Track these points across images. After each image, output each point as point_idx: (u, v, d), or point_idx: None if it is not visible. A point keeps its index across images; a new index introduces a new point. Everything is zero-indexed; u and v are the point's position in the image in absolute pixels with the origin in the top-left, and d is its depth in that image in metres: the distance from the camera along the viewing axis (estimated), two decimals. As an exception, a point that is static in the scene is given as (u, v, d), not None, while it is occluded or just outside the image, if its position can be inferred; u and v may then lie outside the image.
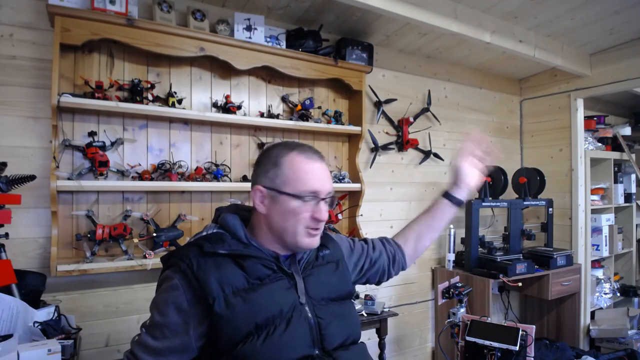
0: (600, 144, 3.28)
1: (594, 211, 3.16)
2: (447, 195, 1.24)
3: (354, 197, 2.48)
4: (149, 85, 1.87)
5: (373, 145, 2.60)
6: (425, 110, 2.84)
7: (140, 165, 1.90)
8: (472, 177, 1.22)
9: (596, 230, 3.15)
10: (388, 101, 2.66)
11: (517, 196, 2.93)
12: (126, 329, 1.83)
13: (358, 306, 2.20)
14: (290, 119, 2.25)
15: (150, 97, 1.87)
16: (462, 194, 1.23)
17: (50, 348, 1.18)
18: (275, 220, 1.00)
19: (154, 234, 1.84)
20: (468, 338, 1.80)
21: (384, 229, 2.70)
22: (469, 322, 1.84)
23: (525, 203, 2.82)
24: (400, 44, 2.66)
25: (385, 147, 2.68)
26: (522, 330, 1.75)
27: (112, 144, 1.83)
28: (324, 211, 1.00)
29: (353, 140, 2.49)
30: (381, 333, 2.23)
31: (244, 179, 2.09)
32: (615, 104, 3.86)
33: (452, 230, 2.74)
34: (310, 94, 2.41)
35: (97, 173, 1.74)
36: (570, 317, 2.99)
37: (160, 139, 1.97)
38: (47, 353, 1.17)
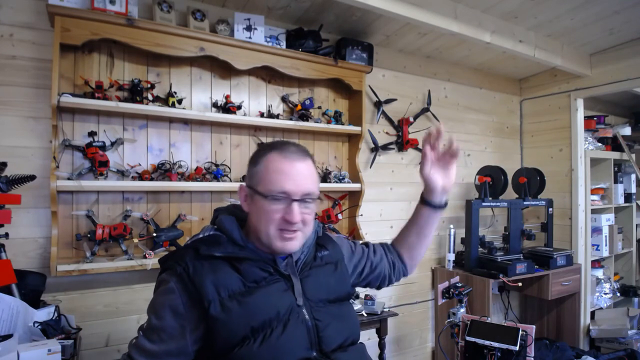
0: (600, 144, 3.28)
1: (594, 211, 3.16)
2: (425, 201, 1.18)
3: (354, 197, 2.48)
4: (149, 85, 1.87)
5: (373, 145, 2.60)
6: (425, 110, 2.84)
7: (140, 165, 1.90)
8: (442, 178, 1.14)
9: (596, 230, 3.15)
10: (388, 101, 2.66)
11: (517, 196, 2.93)
12: (126, 329, 1.84)
13: (358, 306, 2.20)
14: (290, 119, 2.25)
15: (150, 97, 1.87)
16: (439, 197, 1.17)
17: (50, 348, 1.18)
18: (254, 220, 0.99)
19: (154, 234, 1.84)
20: (468, 338, 1.80)
21: (384, 229, 2.70)
22: (469, 322, 1.84)
23: (525, 203, 2.82)
24: (400, 44, 2.66)
25: (385, 147, 2.68)
26: (522, 330, 1.75)
27: (112, 144, 1.83)
28: (294, 213, 0.94)
29: (353, 140, 2.49)
30: (381, 333, 2.23)
31: (244, 179, 2.09)
32: (615, 104, 3.86)
33: (452, 230, 2.74)
34: (310, 94, 2.41)
35: (97, 173, 1.74)
36: (570, 317, 2.99)
37: (160, 139, 1.97)
38: (47, 353, 1.17)
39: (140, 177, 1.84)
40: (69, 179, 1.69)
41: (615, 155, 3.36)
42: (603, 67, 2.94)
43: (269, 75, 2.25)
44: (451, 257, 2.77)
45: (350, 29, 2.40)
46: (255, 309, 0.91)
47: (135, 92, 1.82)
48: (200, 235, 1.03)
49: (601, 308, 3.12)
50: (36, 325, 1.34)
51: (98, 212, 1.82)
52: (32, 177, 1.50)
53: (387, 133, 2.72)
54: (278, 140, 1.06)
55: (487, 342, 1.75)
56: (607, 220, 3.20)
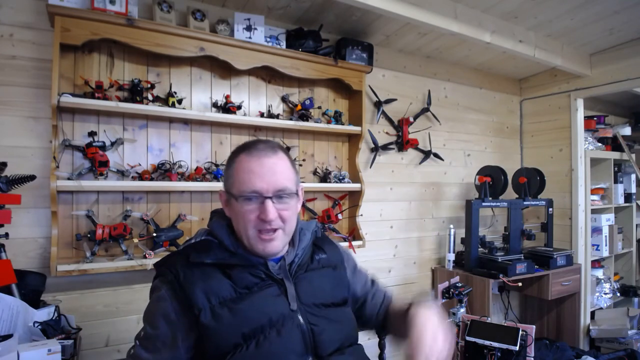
0: (600, 144, 3.28)
1: (594, 211, 3.16)
2: None
3: (354, 197, 2.48)
4: (149, 85, 1.87)
5: (373, 145, 2.60)
6: (425, 110, 2.84)
7: (140, 165, 1.90)
8: None
9: (596, 230, 3.15)
10: (388, 101, 2.66)
11: (517, 196, 2.93)
12: (126, 329, 1.84)
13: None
14: (290, 119, 2.25)
15: (150, 97, 1.87)
16: None
17: (50, 348, 1.17)
18: (235, 224, 0.98)
19: (154, 234, 1.84)
20: (468, 338, 1.80)
21: (384, 229, 2.70)
22: (469, 322, 1.84)
23: (525, 203, 2.82)
24: (400, 44, 2.66)
25: (385, 147, 2.68)
26: (522, 330, 1.75)
27: (112, 144, 1.83)
28: (268, 210, 0.92)
29: (353, 140, 2.49)
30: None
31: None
32: (615, 104, 3.86)
33: (452, 230, 2.74)
34: (310, 94, 2.41)
35: (97, 173, 1.74)
36: (570, 317, 2.99)
37: (160, 139, 1.97)
38: (47, 353, 1.16)
39: (140, 177, 1.84)
40: (69, 179, 1.69)
41: (615, 155, 3.36)
42: (603, 67, 2.94)
43: (269, 75, 2.25)
44: (451, 257, 2.76)
45: (350, 29, 2.40)
46: (246, 315, 0.90)
47: (135, 92, 1.82)
48: (193, 241, 1.02)
49: (601, 308, 3.12)
50: (36, 325, 1.34)
51: (98, 212, 1.82)
52: (32, 177, 1.50)
53: (387, 133, 2.72)
54: (249, 140, 1.03)
55: (487, 342, 1.75)
56: (607, 220, 3.19)
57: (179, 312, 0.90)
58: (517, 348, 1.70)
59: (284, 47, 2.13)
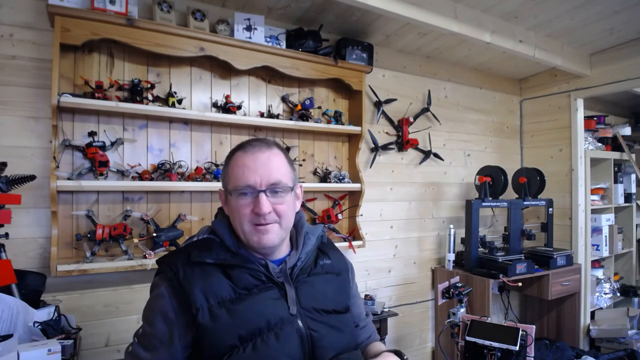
0: (600, 144, 3.28)
1: (594, 211, 3.16)
2: None
3: (354, 197, 2.48)
4: (149, 85, 1.87)
5: (373, 145, 2.60)
6: (425, 110, 2.84)
7: (140, 165, 1.90)
8: None
9: (596, 230, 3.15)
10: (388, 101, 2.66)
11: (517, 196, 2.93)
12: (126, 329, 1.84)
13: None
14: (290, 119, 2.25)
15: (150, 97, 1.87)
16: None
17: (50, 348, 1.18)
18: (233, 221, 0.98)
19: (154, 234, 1.84)
20: (468, 338, 1.80)
21: (384, 229, 2.70)
22: (469, 322, 1.84)
23: (525, 203, 2.82)
24: (400, 44, 2.66)
25: (385, 147, 2.68)
26: (522, 330, 1.75)
27: (112, 144, 1.83)
28: (261, 204, 0.92)
29: (353, 140, 2.49)
30: (381, 333, 2.23)
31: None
32: (615, 104, 3.86)
33: (452, 230, 2.74)
34: (310, 94, 2.41)
35: (97, 173, 1.74)
36: (570, 317, 2.99)
37: (160, 139, 1.97)
38: (47, 353, 1.17)
39: (140, 177, 1.84)
40: (69, 179, 1.69)
41: (615, 155, 3.36)
42: (603, 67, 2.94)
43: (269, 75, 2.25)
44: (451, 257, 2.77)
45: (350, 29, 2.40)
46: (244, 317, 0.89)
47: (135, 92, 1.82)
48: (195, 238, 1.02)
49: (601, 308, 3.12)
50: (36, 325, 1.34)
51: (98, 212, 1.82)
52: (32, 177, 1.50)
53: (387, 133, 2.72)
54: (246, 140, 1.04)
55: (487, 342, 1.75)
56: (607, 220, 3.20)
57: (177, 311, 0.89)
58: (517, 348, 1.70)
59: (284, 47, 2.13)
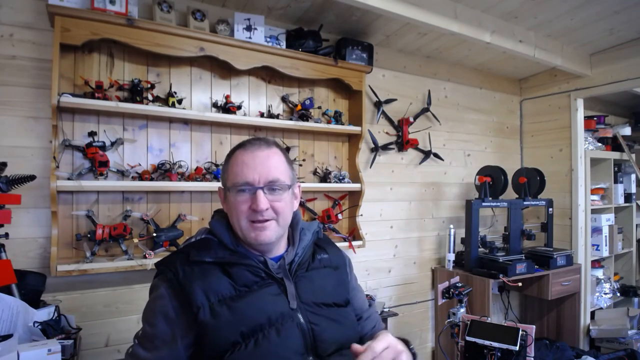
0: (600, 144, 3.28)
1: (594, 211, 3.16)
2: None
3: (354, 197, 2.48)
4: (149, 85, 1.87)
5: (373, 145, 2.60)
6: (425, 110, 2.84)
7: (140, 165, 1.90)
8: None
9: (596, 230, 3.15)
10: (388, 101, 2.66)
11: (517, 196, 2.93)
12: (126, 329, 1.84)
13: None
14: (290, 119, 2.25)
15: (150, 97, 1.87)
16: None
17: (50, 348, 1.17)
18: (231, 218, 1.00)
19: (154, 234, 1.84)
20: (468, 338, 1.80)
21: (384, 229, 2.70)
22: (469, 322, 1.84)
23: (525, 203, 2.82)
24: (400, 44, 2.66)
25: (385, 147, 2.68)
26: (522, 330, 1.75)
27: (112, 144, 1.83)
28: (259, 200, 0.94)
29: (353, 140, 2.49)
30: (381, 333, 2.23)
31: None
32: (615, 104, 3.86)
33: (452, 230, 2.74)
34: (310, 94, 2.41)
35: (97, 173, 1.74)
36: (570, 317, 2.99)
37: (160, 139, 1.97)
38: (47, 353, 1.16)
39: (140, 177, 1.84)
40: (69, 179, 1.69)
41: (615, 155, 3.36)
42: (603, 67, 2.94)
43: (269, 75, 2.25)
44: (451, 257, 2.77)
45: (350, 29, 2.40)
46: (245, 313, 0.90)
47: (135, 92, 1.82)
48: (193, 239, 1.03)
49: (601, 308, 3.12)
50: (36, 325, 1.34)
51: (98, 212, 1.82)
52: (32, 177, 1.50)
53: (387, 133, 2.72)
54: (247, 139, 1.06)
55: (487, 342, 1.75)
56: (607, 220, 3.19)
57: (178, 311, 0.90)
58: (517, 348, 1.70)
59: (284, 47, 2.13)
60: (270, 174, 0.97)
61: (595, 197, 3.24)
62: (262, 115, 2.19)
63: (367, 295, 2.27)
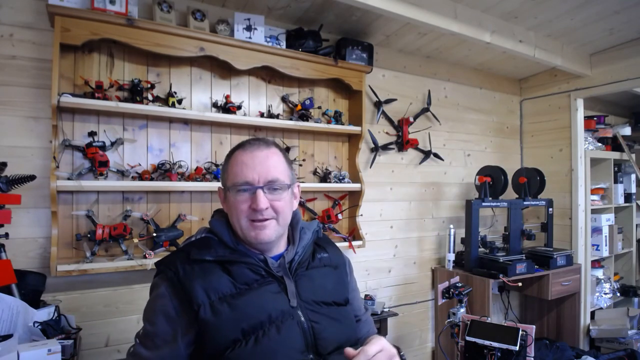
0: (600, 144, 3.28)
1: (594, 211, 3.16)
2: None
3: (354, 197, 2.48)
4: (149, 85, 1.87)
5: (373, 145, 2.60)
6: (425, 110, 2.84)
7: (140, 165, 1.90)
8: None
9: (596, 230, 3.15)
10: (388, 101, 2.66)
11: (517, 196, 2.93)
12: (126, 329, 1.84)
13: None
14: (290, 119, 2.25)
15: (150, 97, 1.87)
16: None
17: (50, 348, 1.18)
18: (231, 217, 1.00)
19: (154, 234, 1.84)
20: (468, 338, 1.80)
21: (384, 229, 2.70)
22: (469, 322, 1.84)
23: (525, 203, 2.82)
24: (400, 44, 2.66)
25: (385, 147, 2.68)
26: (522, 330, 1.75)
27: (112, 144, 1.83)
28: (259, 200, 0.95)
29: (353, 140, 2.49)
30: (381, 333, 2.23)
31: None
32: (615, 104, 3.86)
33: (452, 230, 2.74)
34: (310, 94, 2.41)
35: (97, 173, 1.74)
36: (570, 317, 2.99)
37: (160, 139, 1.97)
38: (47, 353, 1.16)
39: (140, 177, 1.84)
40: (69, 179, 1.69)
41: (615, 155, 3.36)
42: (603, 67, 2.94)
43: (269, 75, 2.25)
44: (451, 257, 2.77)
45: (350, 29, 2.40)
46: (245, 311, 0.90)
47: (135, 92, 1.82)
48: (193, 238, 1.03)
49: (601, 308, 3.12)
50: (36, 325, 1.34)
51: (98, 212, 1.82)
52: (32, 177, 1.50)
53: (387, 133, 2.72)
54: (246, 140, 1.06)
55: (487, 342, 1.75)
56: (607, 220, 3.19)
57: (179, 309, 0.90)
58: (517, 348, 1.70)
59: (284, 47, 2.13)
60: (269, 173, 0.97)
61: (595, 197, 3.24)
62: (262, 115, 2.19)
63: (367, 295, 2.27)
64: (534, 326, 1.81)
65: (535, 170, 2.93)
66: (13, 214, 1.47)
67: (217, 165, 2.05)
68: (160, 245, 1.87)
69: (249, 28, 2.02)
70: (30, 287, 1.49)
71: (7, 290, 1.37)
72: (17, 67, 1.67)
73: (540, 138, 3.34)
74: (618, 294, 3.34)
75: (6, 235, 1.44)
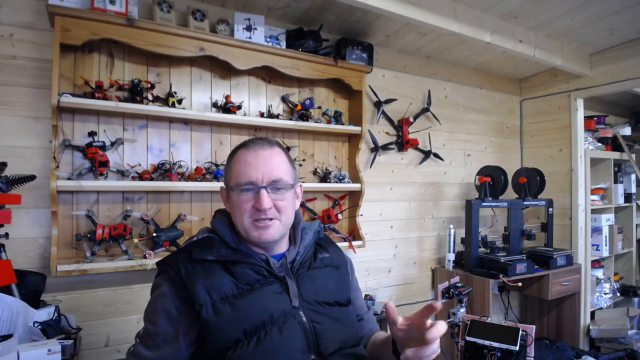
0: (600, 144, 3.28)
1: (594, 211, 3.16)
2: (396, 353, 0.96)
3: (354, 197, 2.48)
4: (149, 85, 1.87)
5: (373, 145, 2.60)
6: (425, 110, 2.84)
7: (140, 165, 1.90)
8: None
9: (596, 230, 3.15)
10: (388, 101, 2.66)
11: (517, 196, 2.93)
12: (126, 329, 1.83)
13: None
14: (290, 119, 2.25)
15: (150, 97, 1.87)
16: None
17: (50, 348, 1.17)
18: (233, 217, 1.00)
19: (154, 234, 1.84)
20: (468, 338, 1.80)
21: (384, 229, 2.70)
22: (469, 322, 1.84)
23: (525, 203, 2.82)
24: (400, 44, 2.66)
25: (385, 147, 2.68)
26: (522, 330, 1.75)
27: (112, 144, 1.83)
28: (262, 199, 0.95)
29: (353, 140, 2.49)
30: (381, 333, 2.23)
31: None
32: (615, 104, 3.86)
33: (452, 230, 2.74)
34: (310, 94, 2.41)
35: (97, 173, 1.74)
36: (570, 317, 2.99)
37: (160, 139, 1.97)
38: (47, 353, 1.16)
39: (140, 177, 1.84)
40: (69, 179, 1.69)
41: (615, 155, 3.36)
42: (603, 67, 2.94)
43: (269, 75, 2.25)
44: (451, 257, 2.77)
45: (350, 29, 2.40)
46: (247, 311, 0.90)
47: (135, 92, 1.82)
48: (195, 238, 1.03)
49: (601, 308, 3.12)
50: (36, 325, 1.34)
51: (98, 212, 1.82)
52: (32, 177, 1.50)
53: (387, 133, 2.72)
54: (249, 139, 1.06)
55: (487, 342, 1.75)
56: (607, 220, 3.19)
57: (181, 309, 0.90)
58: (517, 348, 1.70)
59: (284, 47, 2.13)
60: (273, 173, 0.97)
61: (595, 197, 3.24)
62: (262, 115, 2.19)
63: (367, 295, 2.27)
64: (534, 326, 1.81)
65: (535, 170, 2.93)
66: (13, 214, 1.47)
67: (217, 165, 2.05)
68: (160, 245, 1.87)
69: (249, 28, 2.02)
70: (30, 287, 1.49)
71: (7, 290, 1.37)
72: (17, 67, 1.67)
73: (540, 138, 3.34)
74: (618, 294, 3.34)
75: (6, 235, 1.44)
